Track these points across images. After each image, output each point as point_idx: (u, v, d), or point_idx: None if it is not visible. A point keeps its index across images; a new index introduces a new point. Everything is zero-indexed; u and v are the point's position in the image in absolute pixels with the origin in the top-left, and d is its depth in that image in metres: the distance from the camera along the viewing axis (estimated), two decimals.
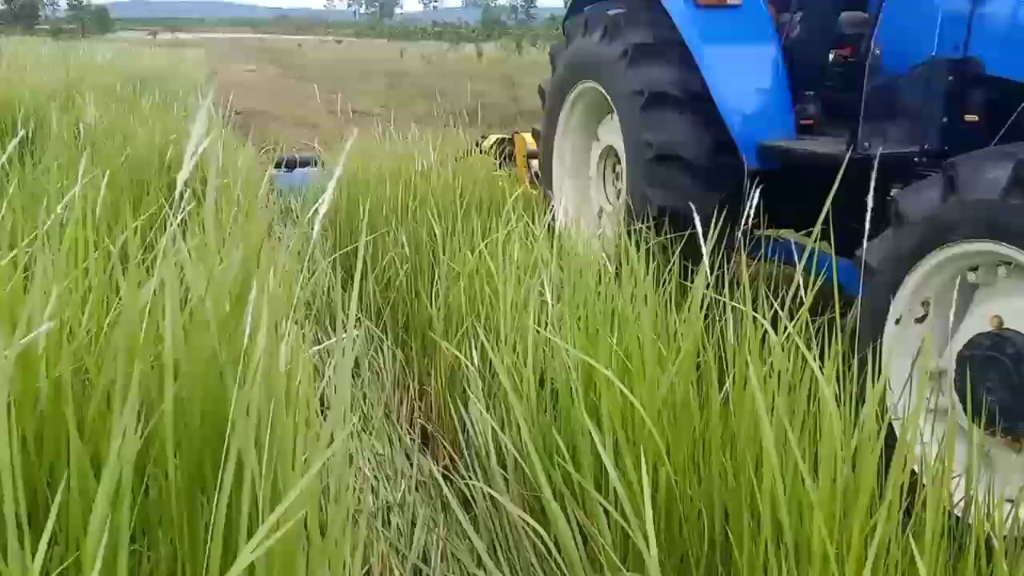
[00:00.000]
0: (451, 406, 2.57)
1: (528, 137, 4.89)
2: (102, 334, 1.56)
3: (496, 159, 5.18)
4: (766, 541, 1.47)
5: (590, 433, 1.72)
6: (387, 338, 3.15)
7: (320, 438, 1.15)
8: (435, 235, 3.32)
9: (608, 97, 3.70)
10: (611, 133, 3.83)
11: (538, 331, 2.10)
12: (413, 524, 2.25)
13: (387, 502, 2.36)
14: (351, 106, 9.49)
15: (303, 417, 1.23)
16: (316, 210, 1.32)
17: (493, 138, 5.49)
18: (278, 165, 5.76)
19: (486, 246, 2.89)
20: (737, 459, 1.65)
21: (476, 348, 2.47)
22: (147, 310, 1.39)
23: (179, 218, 1.42)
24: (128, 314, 1.26)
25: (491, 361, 2.44)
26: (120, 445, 1.08)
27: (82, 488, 1.18)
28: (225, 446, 1.11)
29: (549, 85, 4.26)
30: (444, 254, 3.12)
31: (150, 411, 1.32)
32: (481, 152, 5.33)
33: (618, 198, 3.82)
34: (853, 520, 1.43)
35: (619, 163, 3.79)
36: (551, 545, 1.72)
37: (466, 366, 2.40)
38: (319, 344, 2.80)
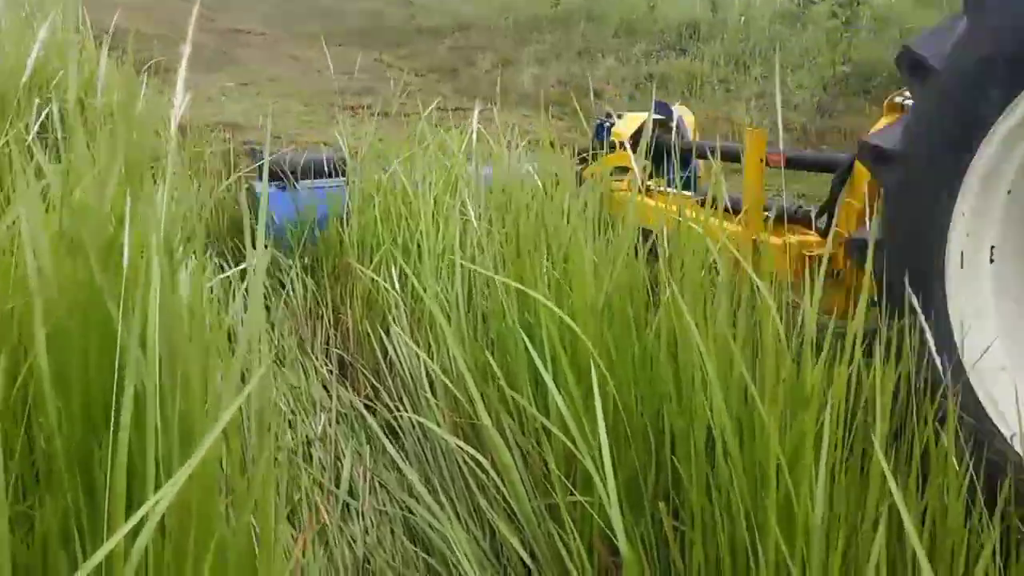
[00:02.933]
0: (370, 335, 2.43)
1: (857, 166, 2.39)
2: None
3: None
4: (711, 455, 1.40)
5: (526, 350, 1.61)
6: (295, 264, 2.95)
7: (233, 370, 0.99)
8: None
9: None
10: None
11: (463, 258, 1.97)
12: (338, 459, 2.13)
13: (307, 437, 2.22)
14: (233, 26, 8.93)
15: (212, 349, 1.06)
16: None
17: (631, 122, 3.31)
18: (273, 177, 3.12)
19: (400, 163, 2.71)
20: (680, 371, 1.58)
21: (396, 270, 2.32)
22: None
23: (33, 131, 1.21)
24: None
25: (412, 285, 2.30)
26: None
27: None
28: (116, 380, 0.94)
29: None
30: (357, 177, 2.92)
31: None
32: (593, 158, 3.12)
33: None
34: (801, 425, 1.37)
35: None
36: (491, 472, 1.62)
37: (385, 289, 2.25)
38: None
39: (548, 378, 1.51)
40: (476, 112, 2.83)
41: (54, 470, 1.10)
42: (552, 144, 2.62)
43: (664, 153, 3.10)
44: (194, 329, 1.13)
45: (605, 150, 3.01)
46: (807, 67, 7.56)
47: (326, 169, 3.15)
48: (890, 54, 6.79)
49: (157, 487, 0.93)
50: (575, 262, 1.63)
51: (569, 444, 1.44)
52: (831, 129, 6.26)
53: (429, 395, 1.77)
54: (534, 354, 1.55)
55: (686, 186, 3.13)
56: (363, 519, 1.84)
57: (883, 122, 2.33)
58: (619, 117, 3.45)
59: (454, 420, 1.83)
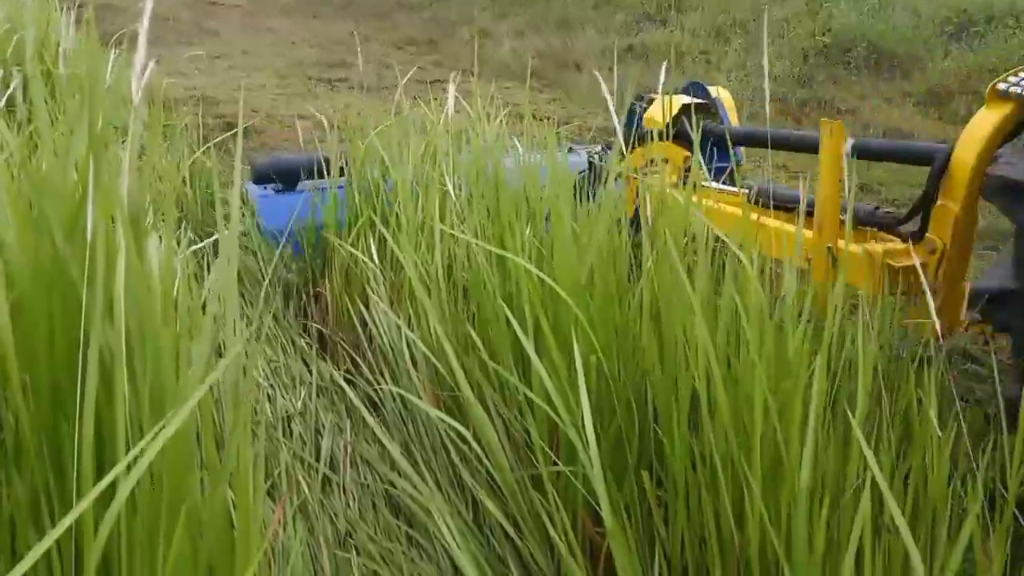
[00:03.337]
0: (349, 308, 2.39)
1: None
2: None
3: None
4: (696, 419, 1.39)
5: (507, 321, 1.59)
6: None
7: (204, 339, 0.96)
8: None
9: None
10: None
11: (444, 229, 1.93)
12: (318, 432, 2.10)
13: (287, 411, 2.19)
14: None
15: (185, 326, 1.03)
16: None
17: (668, 106, 2.79)
18: (260, 179, 2.92)
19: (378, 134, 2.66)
20: (663, 336, 1.56)
21: (374, 243, 2.28)
22: None
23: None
24: None
25: (392, 258, 2.26)
26: None
27: None
28: (82, 352, 0.91)
29: None
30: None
31: None
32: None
33: None
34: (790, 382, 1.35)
35: None
36: (473, 443, 1.60)
37: (364, 262, 2.21)
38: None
39: (529, 347, 1.49)
40: (452, 83, 2.78)
41: (22, 447, 1.07)
42: (534, 116, 2.58)
43: (709, 143, 2.67)
44: (165, 300, 1.10)
45: (633, 140, 2.59)
46: (786, 38, 7.53)
47: (327, 169, 2.75)
48: (869, 24, 6.77)
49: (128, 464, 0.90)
50: (557, 231, 1.60)
51: (552, 414, 1.42)
52: (811, 99, 6.24)
53: (410, 367, 1.75)
54: (515, 323, 1.53)
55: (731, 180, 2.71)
56: (344, 493, 1.82)
57: (985, 114, 1.98)
58: (649, 101, 3.01)
59: (435, 393, 1.81)
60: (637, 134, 2.69)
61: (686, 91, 3.07)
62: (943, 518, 1.32)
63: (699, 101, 2.89)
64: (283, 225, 2.58)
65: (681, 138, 2.80)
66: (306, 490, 1.92)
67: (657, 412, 1.54)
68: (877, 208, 2.23)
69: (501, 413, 1.64)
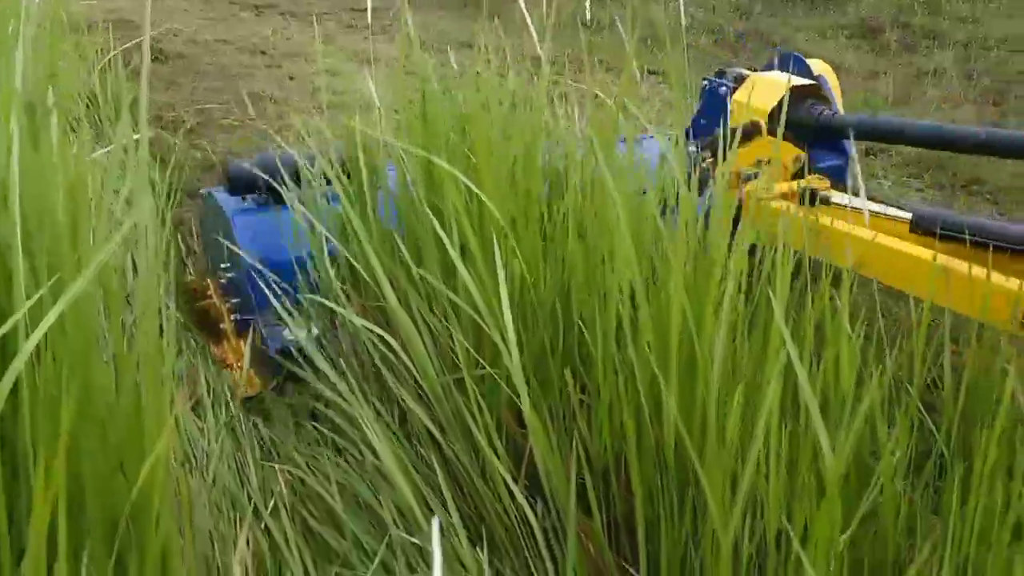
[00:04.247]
0: None
1: None
2: None
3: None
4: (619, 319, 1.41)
5: (433, 230, 1.58)
6: (176, 147, 2.82)
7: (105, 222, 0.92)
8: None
9: None
10: None
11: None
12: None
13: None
14: None
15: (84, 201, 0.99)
16: None
17: (765, 89, 2.29)
18: (236, 189, 2.02)
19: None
20: (588, 241, 1.57)
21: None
22: None
23: None
24: None
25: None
26: None
27: None
28: None
29: None
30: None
31: None
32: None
33: None
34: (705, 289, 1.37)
35: None
36: (400, 352, 1.60)
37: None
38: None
39: (454, 253, 1.48)
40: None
41: None
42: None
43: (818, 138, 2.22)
44: (70, 188, 1.05)
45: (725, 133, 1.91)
46: None
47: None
48: None
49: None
50: (480, 133, 1.59)
51: (474, 315, 1.43)
52: (749, 31, 6.26)
53: (334, 278, 1.73)
54: (439, 230, 1.52)
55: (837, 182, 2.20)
56: (265, 403, 1.81)
57: None
58: (737, 80, 2.41)
59: (362, 304, 1.79)
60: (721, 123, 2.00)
61: (781, 65, 2.49)
62: (851, 409, 1.37)
63: (805, 81, 2.32)
64: (275, 254, 1.87)
65: (790, 131, 2.17)
66: (233, 408, 1.91)
67: (583, 319, 1.56)
68: None
69: (428, 320, 1.64)
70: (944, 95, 4.82)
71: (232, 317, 2.02)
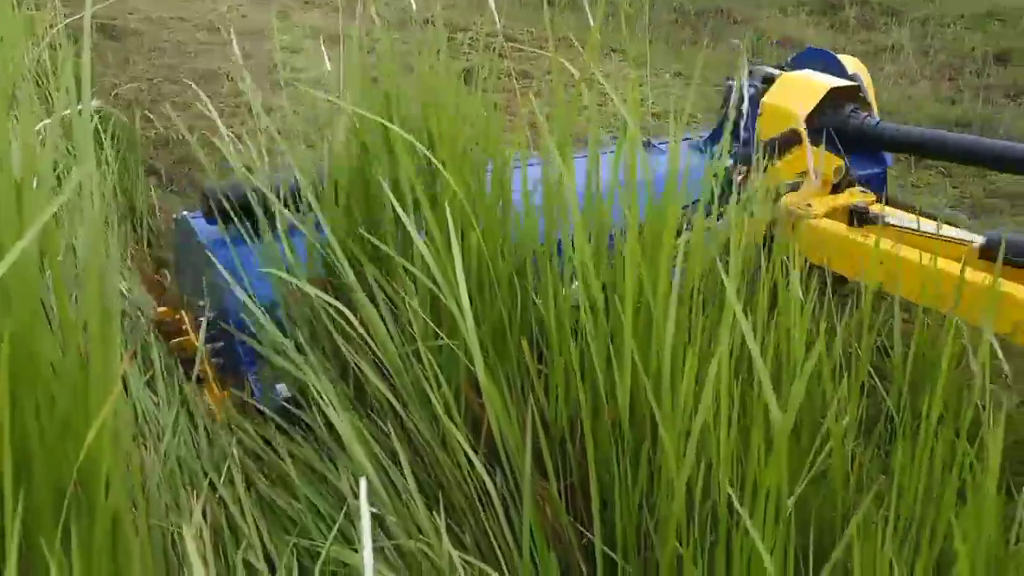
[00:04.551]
0: None
1: None
2: None
3: None
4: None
5: (391, 203, 1.57)
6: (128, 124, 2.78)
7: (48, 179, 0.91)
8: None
9: None
10: None
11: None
12: None
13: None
14: None
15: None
16: None
17: (799, 89, 2.09)
18: (216, 214, 1.77)
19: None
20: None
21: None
22: None
23: None
24: None
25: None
26: None
27: None
28: None
29: None
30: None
31: None
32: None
33: None
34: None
35: None
36: (357, 325, 1.59)
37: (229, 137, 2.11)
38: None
39: (409, 223, 1.48)
40: None
41: None
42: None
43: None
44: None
45: (754, 141, 1.82)
46: None
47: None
48: None
49: None
50: (438, 100, 1.58)
51: (431, 286, 1.43)
52: (709, 8, 6.28)
53: (289, 254, 1.71)
54: (394, 201, 1.52)
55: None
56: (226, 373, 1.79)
57: None
58: (765, 80, 2.18)
59: (321, 279, 1.78)
60: (748, 127, 1.90)
61: (808, 63, 2.25)
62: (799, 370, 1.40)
63: (844, 83, 2.09)
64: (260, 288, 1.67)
65: (828, 137, 2.00)
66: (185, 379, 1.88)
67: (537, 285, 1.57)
68: None
69: (387, 293, 1.63)
70: (901, 71, 4.89)
71: (213, 361, 1.85)
